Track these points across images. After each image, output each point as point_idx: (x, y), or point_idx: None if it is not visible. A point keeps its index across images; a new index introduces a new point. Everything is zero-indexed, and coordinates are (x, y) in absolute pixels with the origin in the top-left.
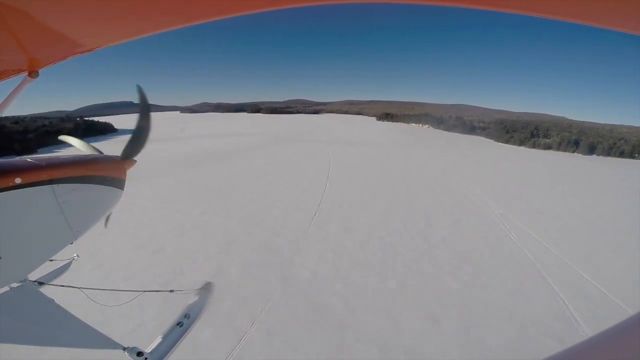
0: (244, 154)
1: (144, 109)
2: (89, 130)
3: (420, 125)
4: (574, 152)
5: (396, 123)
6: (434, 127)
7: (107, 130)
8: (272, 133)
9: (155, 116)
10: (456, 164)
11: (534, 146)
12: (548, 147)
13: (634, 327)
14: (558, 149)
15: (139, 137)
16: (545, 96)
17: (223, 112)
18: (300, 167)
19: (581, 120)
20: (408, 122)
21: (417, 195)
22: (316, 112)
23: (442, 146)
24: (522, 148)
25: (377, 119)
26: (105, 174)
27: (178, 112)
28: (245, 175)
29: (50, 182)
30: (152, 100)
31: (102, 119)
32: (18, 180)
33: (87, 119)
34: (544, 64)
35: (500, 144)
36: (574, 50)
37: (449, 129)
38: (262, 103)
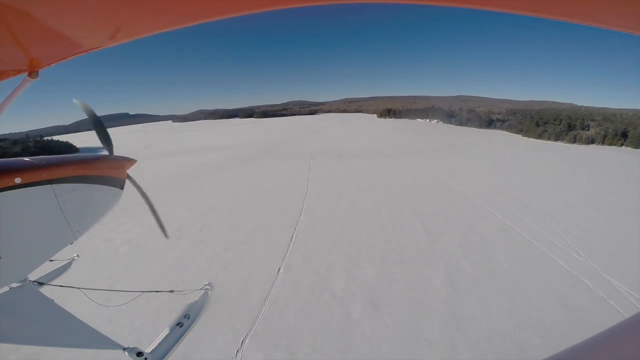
0: (179, 186)
1: (93, 119)
2: (42, 152)
3: (428, 120)
4: (621, 145)
5: (399, 120)
6: (443, 122)
7: (65, 151)
8: (248, 144)
9: (136, 128)
10: (506, 184)
11: (574, 141)
12: (591, 141)
13: (634, 327)
14: (603, 143)
15: (105, 139)
16: (548, 83)
17: (215, 118)
18: (248, 217)
19: (592, 106)
20: (413, 118)
21: (466, 280)
22: (312, 112)
23: (465, 150)
24: (561, 144)
25: (378, 116)
26: (105, 173)
27: (170, 121)
28: (146, 242)
29: (51, 182)
30: (149, 110)
31: (70, 137)
32: (18, 180)
33: (47, 138)
34: (544, 51)
35: (531, 139)
36: (574, 35)
37: (462, 123)
38: (260, 107)
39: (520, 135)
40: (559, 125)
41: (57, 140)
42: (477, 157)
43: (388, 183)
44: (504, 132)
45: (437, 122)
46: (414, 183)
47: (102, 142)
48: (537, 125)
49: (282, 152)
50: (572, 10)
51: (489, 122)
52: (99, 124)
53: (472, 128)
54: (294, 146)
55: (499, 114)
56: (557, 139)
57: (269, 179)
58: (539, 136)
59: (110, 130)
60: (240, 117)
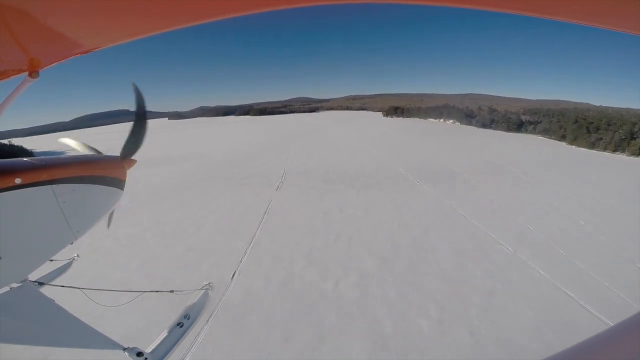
0: None
1: (140, 107)
2: None
3: (442, 120)
4: None
5: (408, 119)
6: (461, 123)
7: (17, 156)
8: (212, 153)
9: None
10: None
11: (639, 153)
12: None
13: (633, 327)
14: None
15: (135, 136)
16: (555, 82)
17: (212, 116)
18: None
19: (613, 106)
20: (424, 117)
21: None
22: (313, 110)
23: (522, 171)
24: (624, 157)
25: (383, 115)
26: (106, 174)
27: (167, 118)
28: None
29: (51, 182)
30: (151, 107)
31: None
32: (18, 181)
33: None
34: (552, 49)
35: (581, 149)
36: (584, 34)
37: (484, 125)
38: (262, 104)
39: (564, 143)
40: (616, 131)
41: (9, 145)
42: (557, 194)
43: (413, 281)
44: (539, 137)
45: (454, 122)
46: (473, 287)
47: (132, 138)
48: (588, 131)
49: (242, 171)
50: (572, 10)
51: (518, 125)
52: (142, 117)
53: (498, 131)
54: (267, 159)
55: (524, 114)
56: (615, 149)
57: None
58: (592, 145)
59: (105, 128)
60: (237, 115)
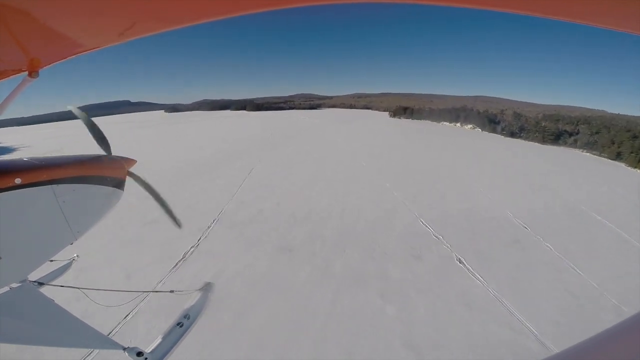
0: None
1: (89, 125)
2: None
3: (459, 125)
4: None
5: (418, 121)
6: (481, 130)
7: None
8: (155, 163)
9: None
10: None
11: None
12: None
13: (633, 327)
14: None
15: (99, 138)
16: (564, 86)
17: (208, 110)
18: None
19: (629, 114)
20: (436, 120)
21: None
22: (314, 107)
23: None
24: None
25: (390, 115)
26: (106, 174)
27: (163, 111)
28: None
29: (51, 182)
30: (153, 98)
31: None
32: (18, 181)
33: None
34: (563, 49)
35: None
36: (595, 37)
37: (513, 133)
38: (265, 98)
39: (623, 164)
40: None
41: None
42: None
43: None
44: (585, 153)
45: (473, 128)
46: None
47: (98, 143)
48: None
49: (154, 205)
50: (572, 10)
51: (555, 136)
52: (95, 128)
53: (530, 142)
54: (213, 179)
55: (547, 120)
56: None
57: None
58: None
59: (106, 119)
60: (232, 109)
